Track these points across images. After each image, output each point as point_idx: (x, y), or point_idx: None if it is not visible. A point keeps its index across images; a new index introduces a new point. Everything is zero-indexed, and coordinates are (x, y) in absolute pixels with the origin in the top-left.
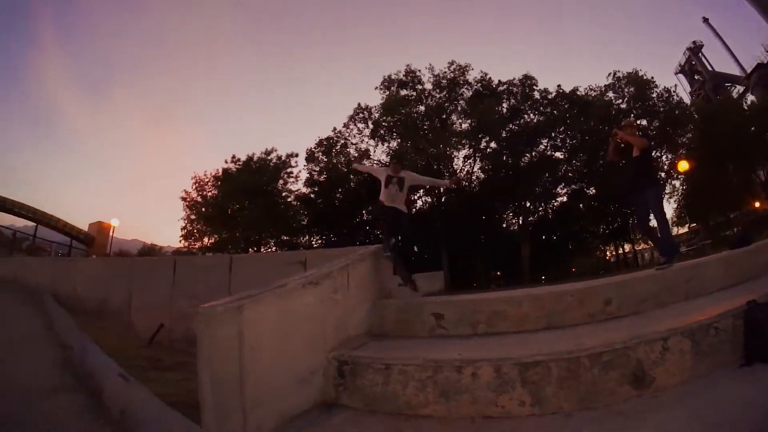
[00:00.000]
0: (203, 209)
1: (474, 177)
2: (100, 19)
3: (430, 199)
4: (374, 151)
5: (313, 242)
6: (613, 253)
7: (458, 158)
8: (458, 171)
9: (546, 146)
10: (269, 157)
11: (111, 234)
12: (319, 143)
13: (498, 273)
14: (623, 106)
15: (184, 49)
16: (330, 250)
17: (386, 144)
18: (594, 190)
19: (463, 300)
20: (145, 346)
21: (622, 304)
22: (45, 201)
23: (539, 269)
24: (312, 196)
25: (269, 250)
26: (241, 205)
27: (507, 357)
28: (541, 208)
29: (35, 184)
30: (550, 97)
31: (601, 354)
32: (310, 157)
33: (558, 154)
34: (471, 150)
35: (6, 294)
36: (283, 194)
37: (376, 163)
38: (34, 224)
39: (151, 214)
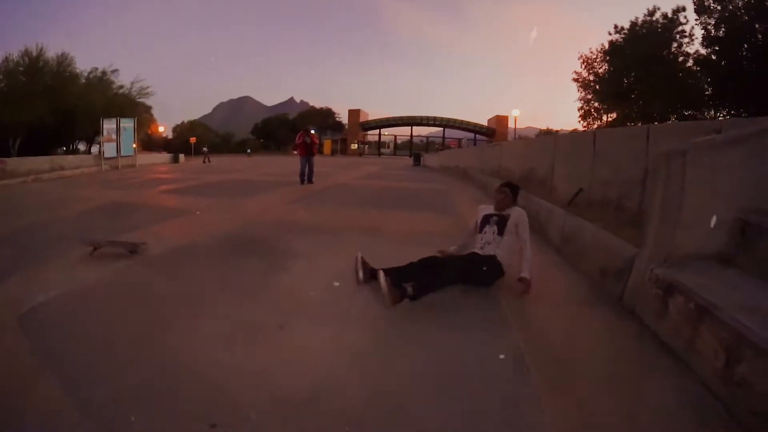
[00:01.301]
0: (597, 87)
1: None
2: None
3: None
4: None
5: (719, 117)
6: None
7: None
8: None
9: None
10: (654, 18)
11: (515, 125)
12: None
13: None
14: None
15: None
16: (746, 119)
17: None
18: None
19: None
20: (566, 205)
21: None
22: (450, 107)
23: None
24: (713, 57)
25: None
26: (637, 76)
27: None
28: None
29: (439, 96)
30: None
31: None
32: (701, 8)
33: None
34: None
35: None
36: (680, 59)
37: None
38: (442, 128)
39: (543, 102)
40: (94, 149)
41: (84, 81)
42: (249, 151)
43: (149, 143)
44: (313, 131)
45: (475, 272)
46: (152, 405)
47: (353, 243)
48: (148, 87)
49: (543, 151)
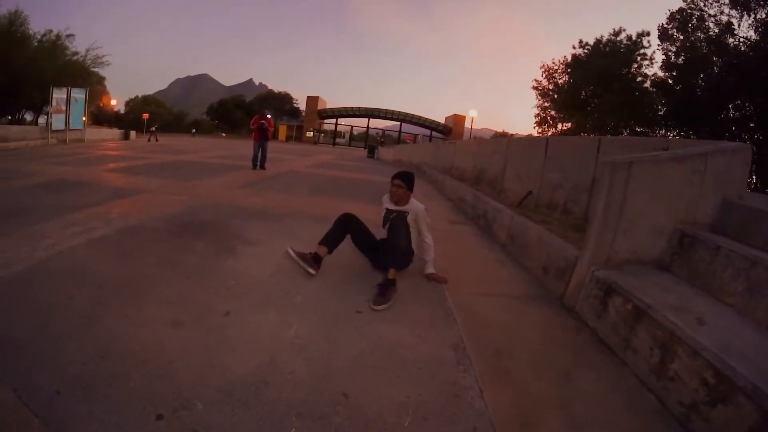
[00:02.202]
0: (555, 96)
1: None
2: None
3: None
4: (738, 25)
5: (669, 137)
6: None
7: None
8: None
9: None
10: (618, 39)
11: (471, 125)
12: (671, 17)
13: None
14: None
15: None
16: (693, 140)
17: (752, 15)
18: None
19: None
20: (515, 206)
21: None
22: (408, 102)
23: None
24: (670, 81)
25: None
26: (595, 90)
27: None
28: None
29: (398, 91)
30: None
31: None
32: (664, 35)
33: None
34: None
35: (399, 169)
36: (638, 79)
37: (742, 41)
38: (399, 122)
39: (500, 105)
40: (41, 120)
41: (36, 44)
42: (194, 131)
43: (99, 117)
44: (269, 116)
45: (381, 254)
46: (96, 394)
47: (302, 229)
48: (104, 56)
49: (496, 152)
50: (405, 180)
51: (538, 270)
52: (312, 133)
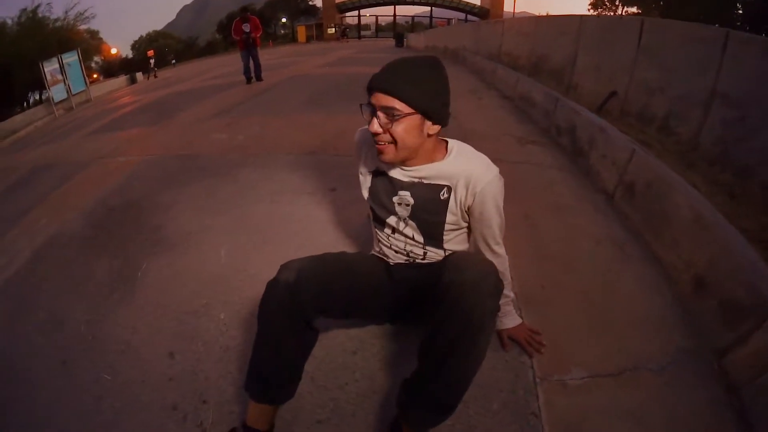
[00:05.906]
0: None
1: None
2: None
3: None
4: None
5: None
6: None
7: None
8: None
9: None
10: None
11: (513, 6)
12: None
13: None
14: None
15: None
16: None
17: None
18: None
19: None
20: (593, 110)
21: None
22: None
23: None
24: None
25: None
26: None
27: None
28: None
29: None
30: None
31: None
32: None
33: None
34: None
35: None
36: None
37: None
38: (429, 7)
39: None
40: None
41: (17, 27)
42: (174, 61)
43: (109, 69)
44: (252, 17)
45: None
46: None
47: (262, 192)
48: (86, 9)
49: (562, 33)
50: (433, 106)
51: (683, 277)
52: (333, 29)
